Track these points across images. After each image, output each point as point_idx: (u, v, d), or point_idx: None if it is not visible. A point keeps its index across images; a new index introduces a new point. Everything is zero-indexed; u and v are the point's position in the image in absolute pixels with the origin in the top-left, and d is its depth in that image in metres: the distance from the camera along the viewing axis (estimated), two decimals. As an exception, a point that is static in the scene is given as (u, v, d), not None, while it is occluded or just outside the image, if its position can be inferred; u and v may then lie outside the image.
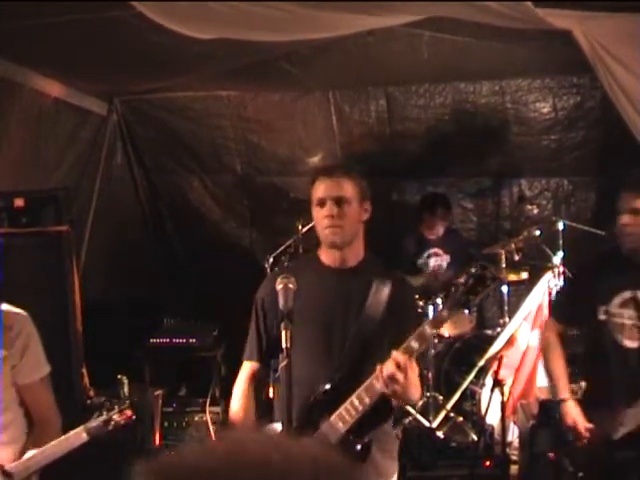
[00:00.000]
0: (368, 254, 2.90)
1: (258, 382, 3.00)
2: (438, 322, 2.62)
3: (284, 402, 2.49)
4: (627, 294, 3.14)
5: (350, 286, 2.80)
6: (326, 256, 2.85)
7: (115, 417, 2.79)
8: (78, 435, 2.75)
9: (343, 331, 2.76)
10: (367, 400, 2.60)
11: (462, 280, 2.56)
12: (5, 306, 2.85)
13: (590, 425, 3.15)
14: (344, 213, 2.75)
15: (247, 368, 2.96)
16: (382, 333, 2.73)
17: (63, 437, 2.77)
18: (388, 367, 2.50)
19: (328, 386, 2.69)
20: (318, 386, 2.70)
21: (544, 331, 3.61)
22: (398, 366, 2.49)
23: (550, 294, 5.04)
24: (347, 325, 2.76)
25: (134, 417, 2.82)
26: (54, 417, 2.94)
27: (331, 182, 2.77)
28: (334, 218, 2.74)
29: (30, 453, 2.77)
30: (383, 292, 2.77)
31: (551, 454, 3.46)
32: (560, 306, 3.64)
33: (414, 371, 2.60)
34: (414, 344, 2.54)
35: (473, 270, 2.56)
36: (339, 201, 2.74)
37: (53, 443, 2.75)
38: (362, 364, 2.70)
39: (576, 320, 3.41)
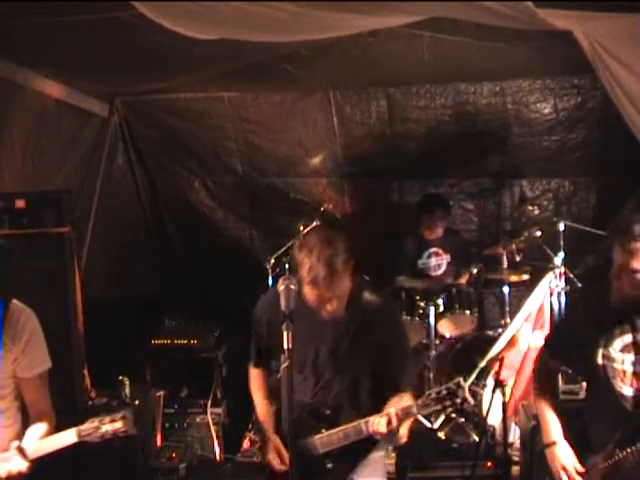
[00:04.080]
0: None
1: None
2: (407, 415, 2.84)
3: (285, 402, 2.48)
4: (628, 338, 2.87)
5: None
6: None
7: (106, 426, 2.79)
8: (69, 435, 2.79)
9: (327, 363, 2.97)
10: (351, 437, 2.86)
11: (436, 389, 2.87)
12: (15, 302, 2.93)
13: (581, 469, 2.96)
14: None
15: (255, 373, 3.25)
16: (365, 359, 2.95)
17: (56, 434, 2.82)
18: (380, 424, 2.78)
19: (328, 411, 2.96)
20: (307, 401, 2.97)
21: (538, 361, 3.31)
22: (389, 423, 2.78)
23: (552, 295, 5.04)
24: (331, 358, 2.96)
25: (126, 430, 2.80)
26: (48, 413, 2.97)
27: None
28: None
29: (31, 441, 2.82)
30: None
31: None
32: (556, 342, 3.23)
33: (403, 426, 2.86)
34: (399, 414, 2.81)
35: (449, 391, 2.84)
36: None
37: (47, 438, 2.82)
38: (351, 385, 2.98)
39: (572, 361, 3.17)
